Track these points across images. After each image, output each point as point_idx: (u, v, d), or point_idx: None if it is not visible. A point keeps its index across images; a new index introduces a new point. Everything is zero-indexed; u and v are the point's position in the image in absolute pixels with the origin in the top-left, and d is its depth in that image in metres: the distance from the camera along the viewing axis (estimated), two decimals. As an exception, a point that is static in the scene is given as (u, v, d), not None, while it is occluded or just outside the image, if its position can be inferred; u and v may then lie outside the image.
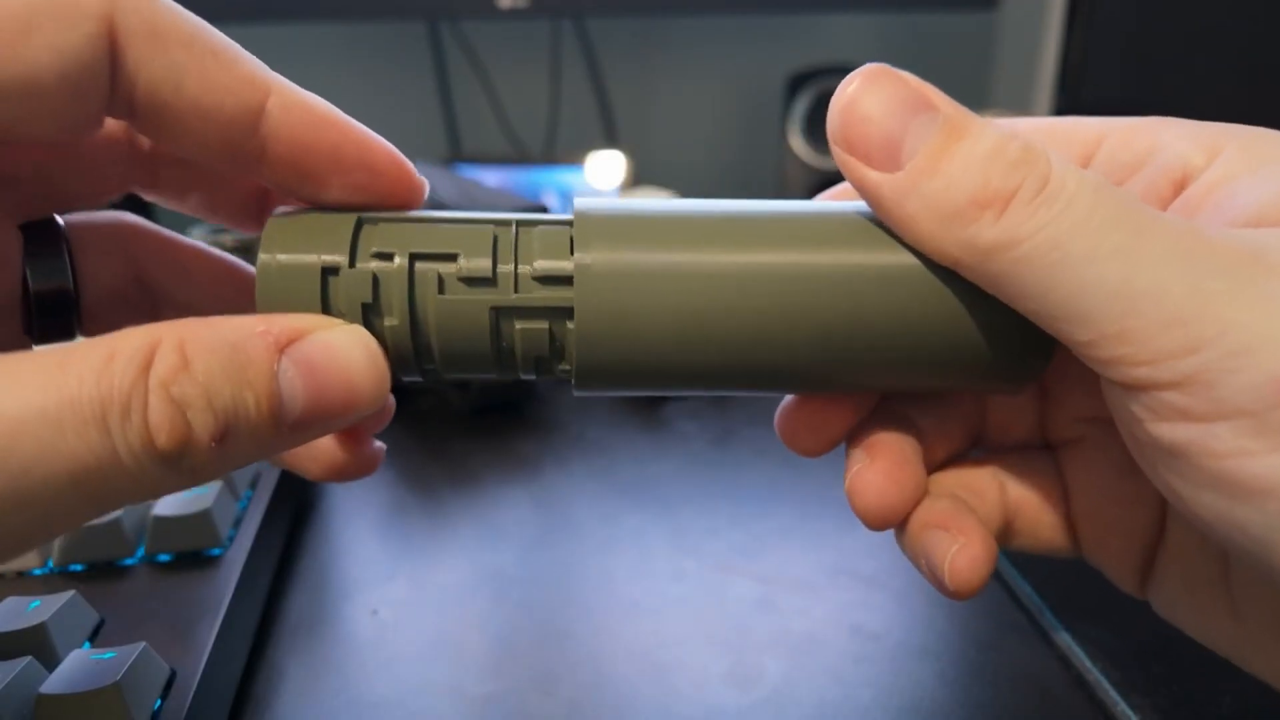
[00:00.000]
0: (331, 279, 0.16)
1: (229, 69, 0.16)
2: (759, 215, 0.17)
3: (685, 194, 0.67)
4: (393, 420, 0.21)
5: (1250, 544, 0.13)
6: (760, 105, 0.83)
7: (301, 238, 0.16)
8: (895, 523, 0.19)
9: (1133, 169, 0.17)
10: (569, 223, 0.17)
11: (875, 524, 0.19)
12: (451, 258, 0.16)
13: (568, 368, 0.17)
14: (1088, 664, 0.26)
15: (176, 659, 0.23)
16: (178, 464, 0.13)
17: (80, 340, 0.14)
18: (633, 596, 0.31)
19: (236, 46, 0.16)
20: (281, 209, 0.17)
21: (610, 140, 0.83)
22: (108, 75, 0.15)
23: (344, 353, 0.15)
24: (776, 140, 0.74)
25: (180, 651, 0.23)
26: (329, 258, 0.16)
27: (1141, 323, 0.13)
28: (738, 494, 0.37)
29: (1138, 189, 0.17)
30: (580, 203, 0.17)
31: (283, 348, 0.14)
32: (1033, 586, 0.30)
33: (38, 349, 0.14)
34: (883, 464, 0.19)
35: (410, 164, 0.18)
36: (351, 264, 0.16)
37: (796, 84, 0.72)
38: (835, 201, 0.18)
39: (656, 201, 0.17)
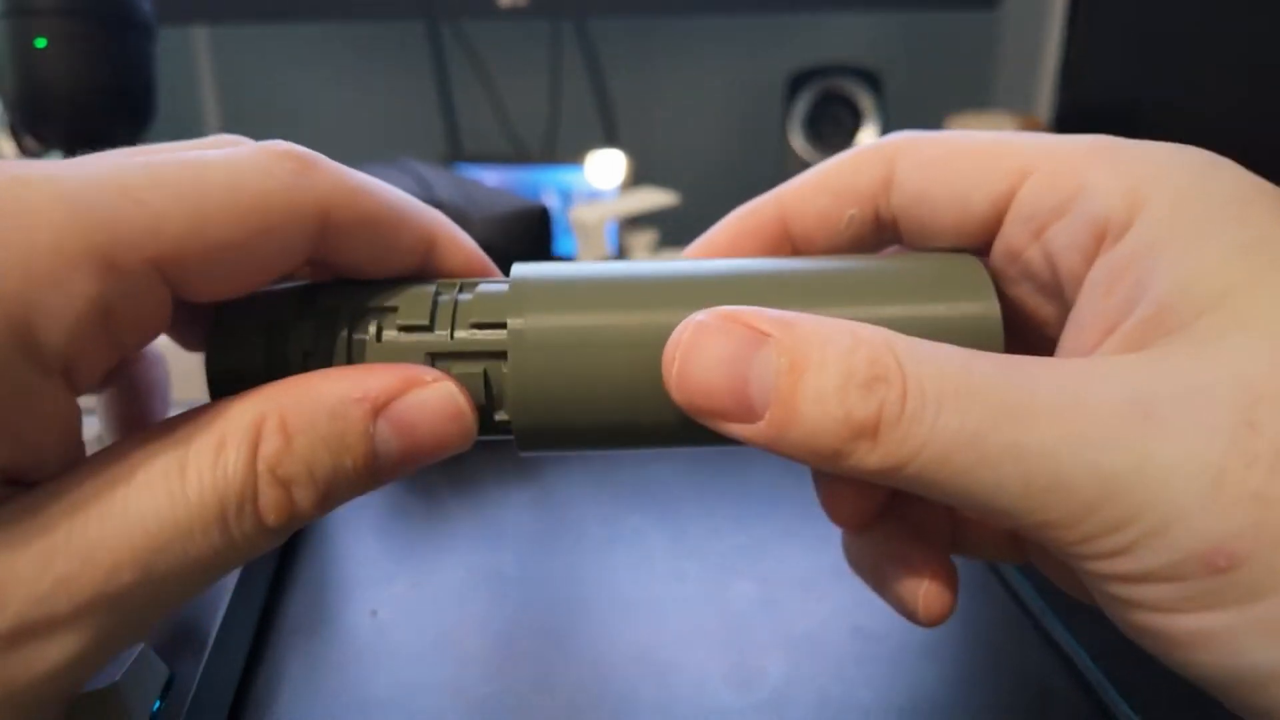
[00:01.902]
0: (276, 332, 0.17)
1: (410, 232, 0.17)
2: (698, 274, 0.17)
3: (686, 193, 0.67)
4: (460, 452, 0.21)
5: (1196, 679, 0.14)
6: (760, 105, 0.83)
7: (255, 302, 0.17)
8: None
9: (1056, 214, 0.16)
10: (508, 283, 0.17)
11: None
12: (392, 310, 0.17)
13: (505, 418, 0.17)
14: (1088, 664, 0.26)
15: (176, 660, 0.23)
16: (281, 532, 0.15)
17: (186, 420, 0.15)
18: (633, 597, 0.31)
19: (408, 202, 0.18)
20: None
21: (610, 140, 0.83)
22: (309, 252, 0.16)
23: (436, 409, 0.16)
24: (776, 140, 0.74)
25: (180, 652, 0.23)
26: (275, 316, 0.17)
27: (1057, 514, 0.13)
28: (738, 495, 0.37)
29: (1060, 239, 0.16)
30: (518, 268, 0.18)
31: (379, 410, 0.15)
32: (1034, 586, 0.30)
33: (148, 438, 0.14)
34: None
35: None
36: (297, 317, 0.17)
37: (796, 84, 0.72)
38: (777, 259, 0.18)
39: (596, 265, 0.18)
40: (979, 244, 0.18)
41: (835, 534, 0.21)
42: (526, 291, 0.17)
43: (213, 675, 0.24)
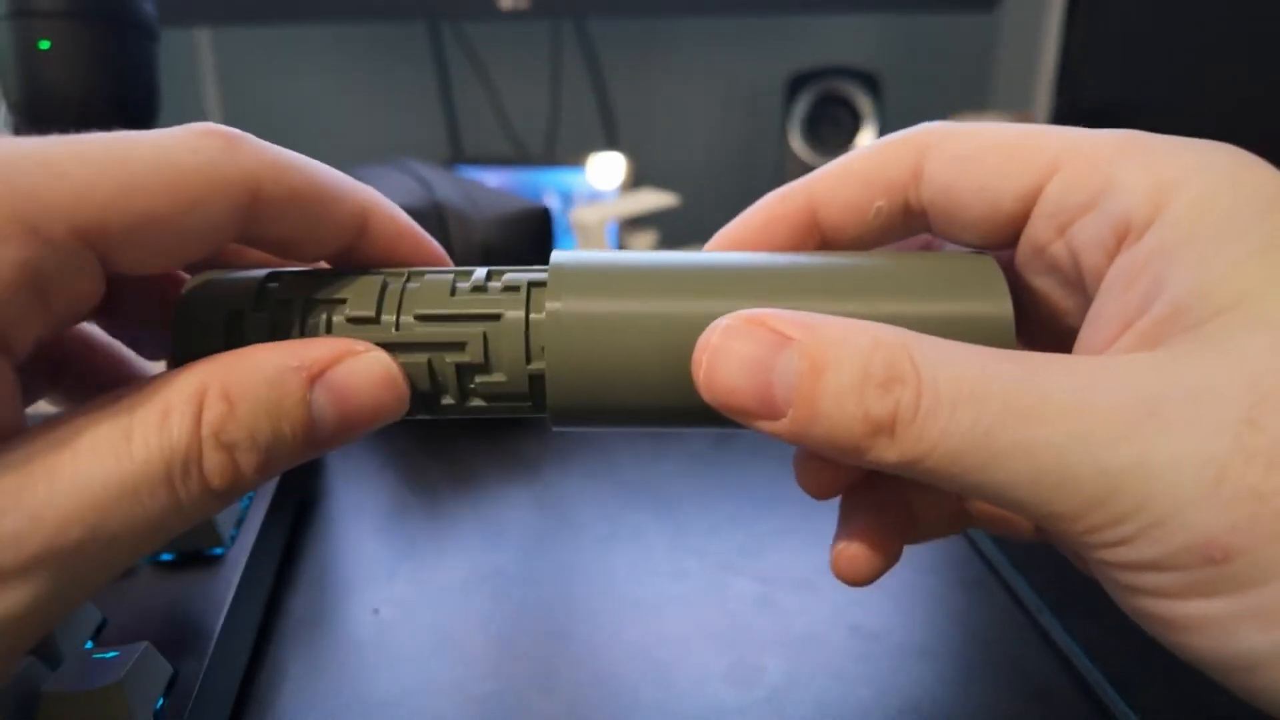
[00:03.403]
0: (234, 322, 0.18)
1: (341, 207, 0.18)
2: (723, 267, 0.18)
3: (685, 195, 0.67)
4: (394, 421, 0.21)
5: (1199, 665, 0.15)
6: (760, 105, 0.83)
7: (217, 289, 0.18)
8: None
9: (1081, 210, 0.17)
10: (452, 272, 0.18)
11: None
12: (341, 302, 0.18)
13: (451, 401, 0.18)
14: (1088, 664, 0.26)
15: (179, 658, 0.23)
16: (227, 495, 0.15)
17: (131, 391, 0.15)
18: (633, 596, 0.31)
19: (339, 178, 0.18)
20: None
21: (611, 141, 0.83)
22: (237, 227, 0.17)
23: (369, 376, 0.17)
24: (776, 140, 0.74)
25: (183, 651, 0.23)
26: (234, 306, 0.18)
27: (1064, 508, 0.14)
28: (738, 493, 0.37)
29: (1084, 235, 0.17)
30: (558, 255, 0.18)
31: (315, 379, 0.16)
32: (1033, 586, 0.30)
33: (93, 408, 0.15)
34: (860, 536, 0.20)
35: (447, 257, 0.20)
36: (254, 309, 0.18)
37: (796, 84, 0.72)
38: (795, 255, 0.19)
39: (624, 254, 0.18)
40: (1006, 237, 0.18)
41: (834, 533, 0.21)
42: (561, 277, 0.17)
43: (215, 673, 0.24)
